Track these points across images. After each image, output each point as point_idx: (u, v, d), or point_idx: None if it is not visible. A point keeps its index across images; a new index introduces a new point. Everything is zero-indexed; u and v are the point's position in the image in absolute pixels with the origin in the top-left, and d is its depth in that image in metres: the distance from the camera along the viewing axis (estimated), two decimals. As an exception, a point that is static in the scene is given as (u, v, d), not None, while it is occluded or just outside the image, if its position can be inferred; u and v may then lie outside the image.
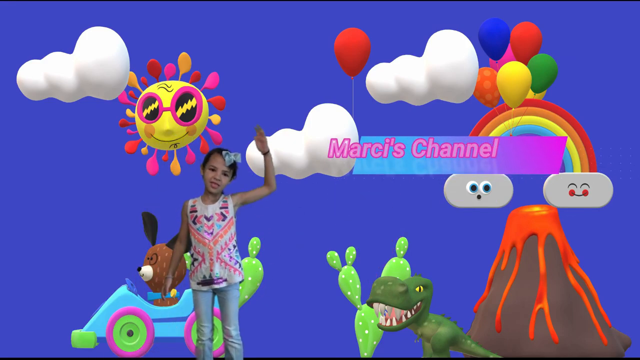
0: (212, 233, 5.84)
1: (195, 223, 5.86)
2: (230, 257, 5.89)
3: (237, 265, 5.93)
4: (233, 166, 5.89)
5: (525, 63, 6.86)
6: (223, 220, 5.86)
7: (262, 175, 6.58)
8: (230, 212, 5.89)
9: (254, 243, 6.99)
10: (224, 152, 5.83)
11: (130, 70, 6.58)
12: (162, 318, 6.89)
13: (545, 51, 6.99)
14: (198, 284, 5.86)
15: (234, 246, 5.93)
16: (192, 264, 5.91)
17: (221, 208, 5.87)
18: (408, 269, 6.91)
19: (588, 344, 6.54)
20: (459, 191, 7.05)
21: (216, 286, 5.86)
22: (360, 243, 6.97)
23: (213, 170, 5.83)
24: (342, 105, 6.59)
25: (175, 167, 6.84)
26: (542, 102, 7.09)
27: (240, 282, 5.91)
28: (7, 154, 7.98)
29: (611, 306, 6.81)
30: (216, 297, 5.88)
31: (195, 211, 5.88)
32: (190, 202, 5.92)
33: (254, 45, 8.08)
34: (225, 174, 5.86)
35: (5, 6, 8.08)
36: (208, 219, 5.85)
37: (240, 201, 5.92)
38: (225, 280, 5.84)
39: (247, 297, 7.01)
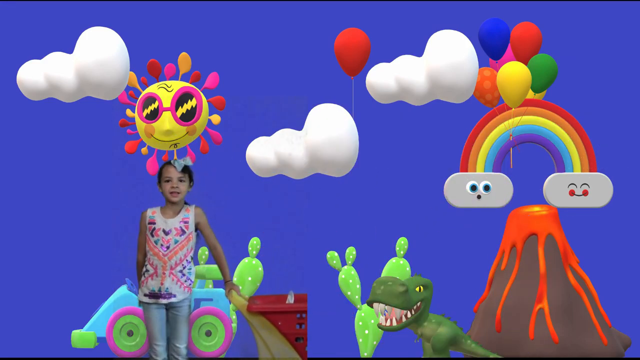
0: (168, 247, 5.91)
1: (152, 235, 5.93)
2: (183, 274, 5.95)
3: (188, 282, 6.07)
4: (186, 170, 6.07)
5: (525, 63, 6.86)
6: (182, 235, 5.97)
7: (262, 175, 6.59)
8: (190, 227, 5.99)
9: (254, 243, 6.99)
10: (172, 161, 5.98)
11: (130, 70, 6.57)
12: (162, 318, 6.89)
13: (545, 51, 6.99)
14: (145, 295, 5.91)
15: (189, 262, 6.04)
16: (143, 274, 5.96)
17: (181, 222, 5.97)
18: (408, 269, 6.91)
19: (588, 344, 6.54)
20: (459, 191, 7.05)
21: (164, 301, 5.91)
22: (360, 243, 6.97)
23: (169, 181, 5.98)
24: (342, 105, 6.59)
25: (175, 167, 6.83)
26: (542, 102, 7.09)
27: (188, 302, 6.11)
28: (7, 154, 7.98)
29: (611, 306, 6.80)
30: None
31: (154, 223, 5.96)
32: (149, 213, 6.03)
33: (254, 45, 8.08)
34: (181, 180, 6.01)
35: (5, 6, 8.08)
36: (166, 233, 5.95)
37: (199, 220, 6.06)
38: (175, 295, 5.92)
39: (247, 298, 7.01)
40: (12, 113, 7.85)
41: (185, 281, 6.11)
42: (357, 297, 6.84)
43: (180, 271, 6.01)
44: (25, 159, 7.96)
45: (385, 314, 6.05)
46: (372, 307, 6.10)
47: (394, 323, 6.07)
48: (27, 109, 7.28)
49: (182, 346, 6.02)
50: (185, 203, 6.34)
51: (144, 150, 6.82)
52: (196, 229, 6.27)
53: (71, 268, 7.80)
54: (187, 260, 6.10)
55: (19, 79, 6.51)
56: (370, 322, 6.79)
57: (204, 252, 7.16)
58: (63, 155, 7.92)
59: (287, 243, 7.41)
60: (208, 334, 6.84)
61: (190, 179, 6.30)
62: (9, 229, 7.93)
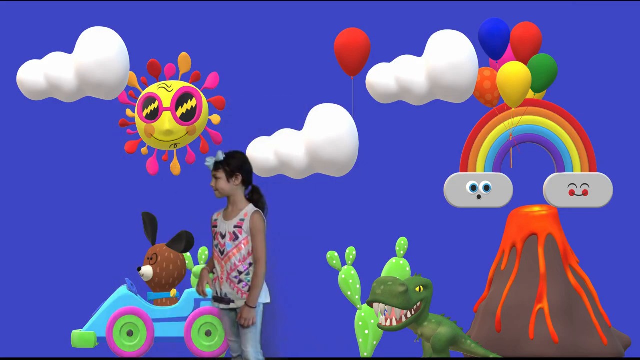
0: (223, 252, 5.68)
1: (214, 239, 5.75)
2: (240, 280, 5.69)
3: (247, 288, 5.70)
4: (221, 165, 5.69)
5: (525, 63, 6.87)
6: (235, 240, 5.67)
7: (263, 175, 6.58)
8: (244, 233, 5.68)
9: (254, 243, 6.99)
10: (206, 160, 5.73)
11: (130, 70, 6.57)
12: (162, 318, 6.90)
13: (545, 51, 6.99)
14: (211, 299, 5.78)
15: (246, 267, 5.70)
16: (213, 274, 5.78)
17: (235, 227, 5.68)
18: (408, 269, 6.91)
19: (588, 344, 6.54)
20: (459, 191, 7.06)
21: (223, 306, 5.72)
22: (360, 243, 6.97)
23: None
24: (342, 105, 6.60)
25: (175, 167, 6.84)
26: (542, 102, 7.09)
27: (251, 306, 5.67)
28: (7, 154, 7.98)
29: (611, 306, 6.80)
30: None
31: (216, 227, 5.75)
32: (215, 216, 5.77)
33: (254, 45, 8.08)
34: (216, 178, 5.70)
35: (5, 6, 8.08)
36: (223, 237, 5.69)
37: (251, 226, 5.70)
38: (233, 302, 5.71)
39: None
40: (12, 113, 7.85)
41: (243, 287, 5.69)
42: (357, 297, 6.85)
43: (236, 277, 5.68)
44: (25, 159, 7.96)
45: (385, 314, 6.05)
46: (372, 307, 6.10)
47: (394, 323, 6.07)
48: (27, 109, 7.29)
49: (247, 349, 5.67)
50: (251, 202, 5.82)
51: (144, 150, 6.83)
52: None
53: (71, 268, 7.80)
54: (243, 266, 5.69)
55: (19, 79, 6.52)
56: (370, 322, 6.80)
57: (204, 252, 7.16)
58: (63, 155, 7.92)
59: (287, 243, 7.42)
60: (208, 334, 6.85)
61: (231, 172, 5.72)
62: (9, 229, 7.93)
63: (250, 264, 5.70)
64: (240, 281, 5.67)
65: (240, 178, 5.73)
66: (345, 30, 6.94)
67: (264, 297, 5.75)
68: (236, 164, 5.74)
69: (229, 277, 5.66)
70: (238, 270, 5.66)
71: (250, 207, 5.75)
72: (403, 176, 7.88)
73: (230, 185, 5.72)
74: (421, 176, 7.67)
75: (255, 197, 5.83)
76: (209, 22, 8.12)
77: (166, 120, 6.61)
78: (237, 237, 5.68)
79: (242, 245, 5.67)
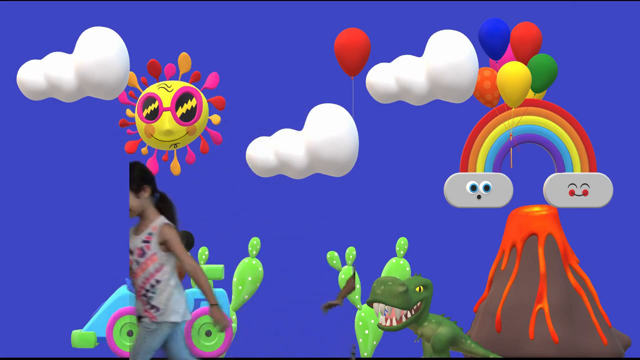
0: (132, 268, 5.16)
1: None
2: (148, 298, 5.08)
3: (154, 310, 5.08)
4: (133, 175, 5.13)
5: (525, 63, 6.87)
6: (142, 256, 5.06)
7: (262, 175, 6.58)
8: (152, 248, 5.06)
9: (254, 243, 6.99)
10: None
11: (130, 70, 6.57)
12: (162, 318, 6.88)
13: (545, 51, 6.99)
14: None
15: (153, 286, 5.09)
16: None
17: (143, 242, 5.07)
18: (408, 269, 6.92)
19: (588, 344, 6.54)
20: (459, 191, 7.05)
21: (139, 323, 5.12)
22: (360, 243, 6.97)
23: None
24: (342, 105, 6.60)
25: (175, 167, 6.84)
26: (542, 102, 7.09)
27: (152, 327, 5.03)
28: (7, 154, 7.98)
29: (611, 306, 6.81)
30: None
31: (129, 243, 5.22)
32: (129, 232, 5.14)
33: (254, 45, 8.08)
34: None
35: (5, 6, 8.08)
36: (132, 253, 5.22)
37: (164, 239, 5.08)
38: (140, 318, 5.07)
39: (247, 297, 7.01)
40: (12, 113, 7.85)
41: (147, 305, 5.07)
42: (357, 297, 6.85)
43: (144, 295, 5.11)
44: (25, 159, 7.96)
45: (385, 314, 6.05)
46: (372, 307, 6.10)
47: (394, 323, 6.07)
48: (27, 109, 7.29)
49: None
50: (165, 212, 5.18)
51: (144, 150, 6.83)
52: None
53: (71, 268, 7.80)
54: (150, 285, 5.08)
55: (19, 79, 6.52)
56: (370, 322, 6.80)
57: (204, 252, 7.16)
58: (63, 155, 7.92)
59: (287, 243, 7.42)
60: (208, 334, 6.85)
61: (137, 187, 5.10)
62: (9, 229, 7.93)
63: (158, 281, 5.08)
64: (148, 299, 5.08)
65: (148, 190, 5.14)
66: (345, 30, 6.94)
67: (181, 315, 5.25)
68: (139, 176, 5.15)
69: (139, 295, 5.11)
70: (145, 288, 5.04)
71: (160, 220, 5.14)
72: (403, 176, 7.89)
73: (140, 200, 5.12)
74: (421, 176, 7.67)
75: (160, 205, 5.21)
76: (209, 22, 8.12)
77: (166, 120, 6.61)
78: (144, 253, 5.11)
79: (150, 262, 5.07)
